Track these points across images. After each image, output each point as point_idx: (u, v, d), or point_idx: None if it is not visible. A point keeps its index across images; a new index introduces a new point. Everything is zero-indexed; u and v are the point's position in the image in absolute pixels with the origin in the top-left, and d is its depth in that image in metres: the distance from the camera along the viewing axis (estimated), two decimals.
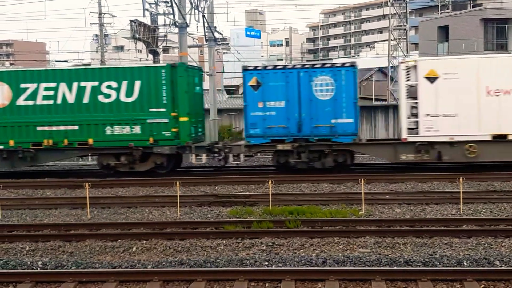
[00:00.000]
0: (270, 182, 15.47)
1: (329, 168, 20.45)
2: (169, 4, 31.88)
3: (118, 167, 21.28)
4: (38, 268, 10.61)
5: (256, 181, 18.77)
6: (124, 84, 20.85)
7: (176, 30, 32.63)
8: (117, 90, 20.90)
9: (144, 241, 12.07)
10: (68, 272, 10.00)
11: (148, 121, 20.81)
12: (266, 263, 10.39)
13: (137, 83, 20.81)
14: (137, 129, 20.89)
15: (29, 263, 10.87)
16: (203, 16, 33.47)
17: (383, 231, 12.18)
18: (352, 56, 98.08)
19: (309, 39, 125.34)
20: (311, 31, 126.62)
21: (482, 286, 9.00)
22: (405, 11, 43.63)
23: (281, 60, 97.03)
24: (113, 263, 10.75)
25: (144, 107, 20.84)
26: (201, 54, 71.02)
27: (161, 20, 33.91)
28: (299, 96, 20.34)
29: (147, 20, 33.58)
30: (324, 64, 21.26)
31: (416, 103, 19.70)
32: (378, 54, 67.36)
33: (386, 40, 48.69)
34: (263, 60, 79.44)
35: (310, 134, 20.35)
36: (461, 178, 14.91)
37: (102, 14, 46.39)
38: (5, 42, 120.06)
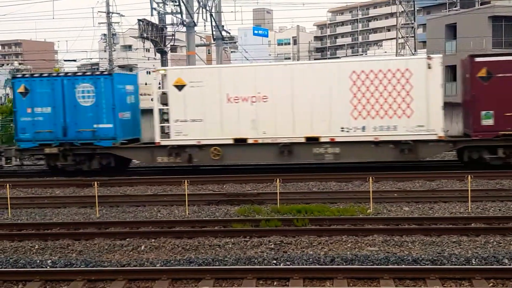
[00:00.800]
0: (278, 180, 15.49)
1: (98, 170, 21.65)
2: (177, 3, 31.95)
3: None
4: (48, 267, 10.68)
5: (264, 179, 18.79)
6: None
7: (184, 29, 32.66)
8: None
9: (153, 240, 12.10)
10: (77, 271, 10.05)
11: None
12: (274, 261, 10.41)
13: None
14: None
15: (38, 261, 10.94)
16: (211, 15, 33.53)
17: (391, 230, 12.15)
18: (360, 54, 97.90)
19: (317, 38, 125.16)
20: (319, 30, 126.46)
21: (491, 284, 8.98)
22: (412, 9, 43.54)
23: (289, 58, 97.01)
24: (121, 262, 10.80)
25: None
26: (209, 53, 71.10)
27: (168, 19, 34.06)
28: (63, 102, 21.54)
29: (155, 19, 33.73)
30: (85, 72, 22.65)
31: (168, 109, 20.88)
32: (386, 52, 67.23)
33: (394, 38, 48.63)
34: (271, 58, 79.43)
35: (75, 138, 21.60)
36: (469, 176, 14.86)
37: (110, 14, 46.55)
38: (14, 42, 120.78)
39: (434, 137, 19.44)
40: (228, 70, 21.82)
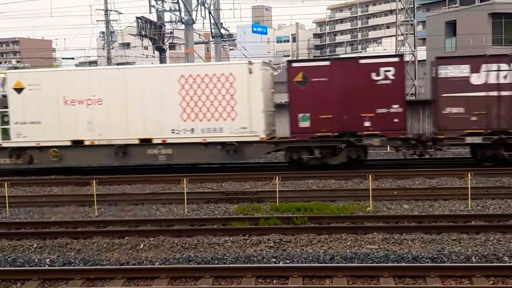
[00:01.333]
0: (277, 178, 15.46)
1: None
2: (175, 1, 31.91)
3: None
4: (46, 266, 10.65)
5: (263, 177, 18.76)
6: None
7: (182, 26, 32.61)
8: None
9: (152, 238, 12.08)
10: (75, 269, 10.03)
11: None
12: (274, 259, 10.39)
13: None
14: None
15: (37, 260, 10.92)
16: (209, 13, 33.50)
17: (391, 227, 12.14)
18: (359, 52, 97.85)
19: (316, 35, 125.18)
20: (318, 27, 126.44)
21: (491, 282, 8.96)
22: (412, 6, 43.41)
23: (288, 56, 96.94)
24: (120, 260, 10.78)
25: None
26: (208, 50, 71.02)
27: (167, 16, 34.10)
28: None
29: (153, 17, 33.70)
30: None
31: (8, 111, 21.47)
32: (385, 49, 67.14)
33: (393, 35, 48.51)
34: (270, 56, 79.34)
35: None
36: (469, 173, 14.83)
37: (108, 11, 46.48)
38: (12, 39, 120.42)
39: (256, 139, 20.17)
40: (64, 73, 22.40)
